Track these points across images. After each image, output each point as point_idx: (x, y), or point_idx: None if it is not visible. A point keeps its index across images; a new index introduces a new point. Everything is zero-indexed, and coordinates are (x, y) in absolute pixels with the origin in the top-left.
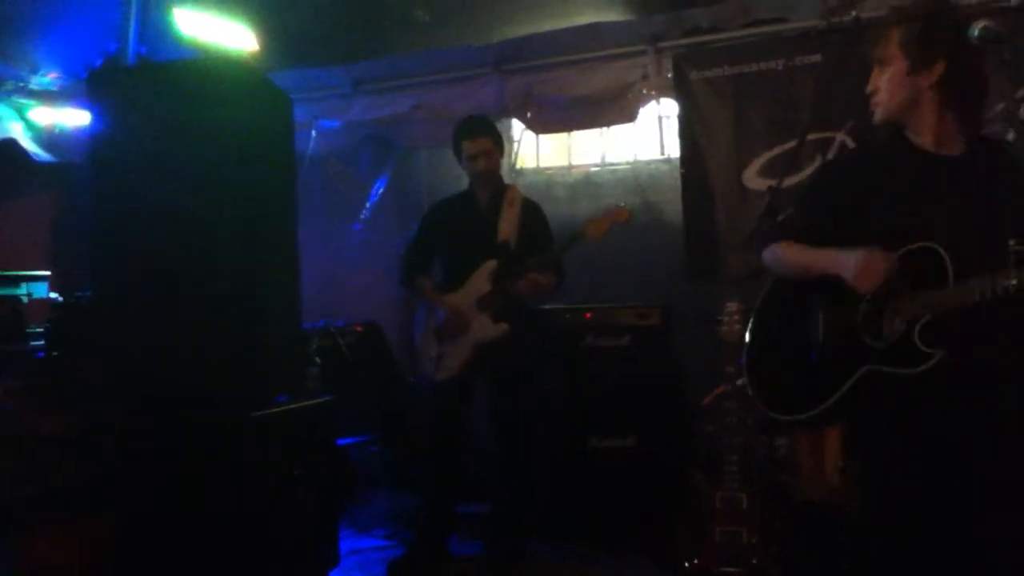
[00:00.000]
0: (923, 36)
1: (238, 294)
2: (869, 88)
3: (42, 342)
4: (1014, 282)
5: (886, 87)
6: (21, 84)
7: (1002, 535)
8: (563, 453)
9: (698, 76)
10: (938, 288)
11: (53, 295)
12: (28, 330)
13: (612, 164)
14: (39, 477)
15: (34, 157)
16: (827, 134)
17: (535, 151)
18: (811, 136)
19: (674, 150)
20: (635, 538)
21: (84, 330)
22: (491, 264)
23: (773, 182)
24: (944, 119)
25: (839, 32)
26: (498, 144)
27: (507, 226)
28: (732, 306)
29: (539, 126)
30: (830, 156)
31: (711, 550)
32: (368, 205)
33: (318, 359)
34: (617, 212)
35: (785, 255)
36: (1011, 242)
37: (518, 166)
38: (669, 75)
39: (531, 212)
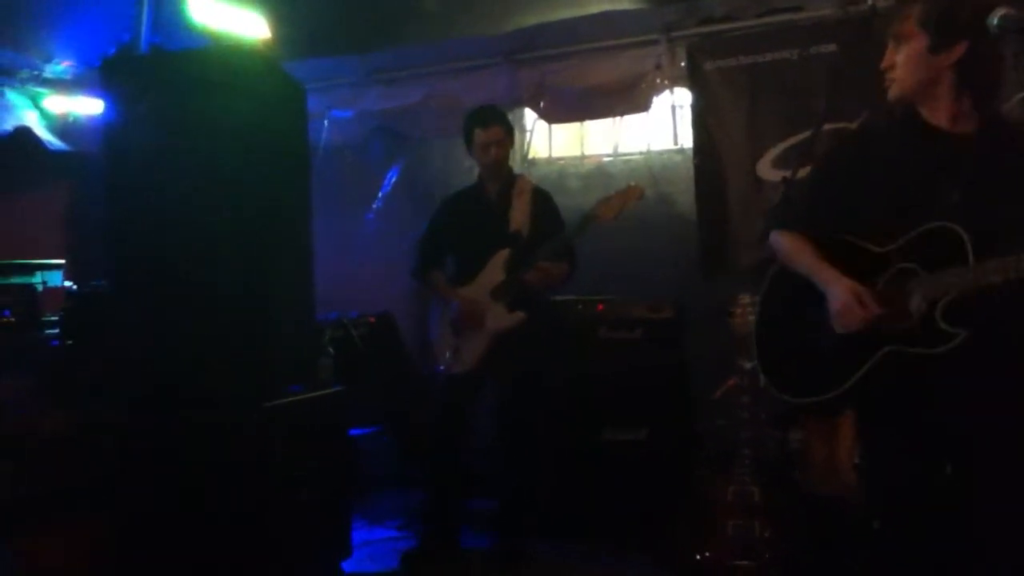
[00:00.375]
0: (945, 16)
1: (251, 284)
2: (884, 64)
3: (56, 331)
4: None
5: (904, 64)
6: (35, 73)
7: (1006, 526)
8: (574, 446)
9: (712, 66)
10: (959, 268)
11: (68, 284)
12: (43, 318)
13: (625, 154)
14: (44, 476)
15: (48, 146)
16: (842, 124)
17: (547, 141)
18: (826, 126)
19: (688, 140)
20: (638, 537)
21: (98, 319)
22: (504, 254)
23: (787, 173)
24: (960, 99)
25: (855, 21)
26: (509, 134)
27: (519, 215)
28: (745, 298)
29: (552, 116)
30: None
31: (722, 543)
32: (380, 195)
33: (331, 350)
34: (629, 191)
35: (787, 249)
36: None
37: (531, 156)
38: (683, 65)
39: (542, 200)
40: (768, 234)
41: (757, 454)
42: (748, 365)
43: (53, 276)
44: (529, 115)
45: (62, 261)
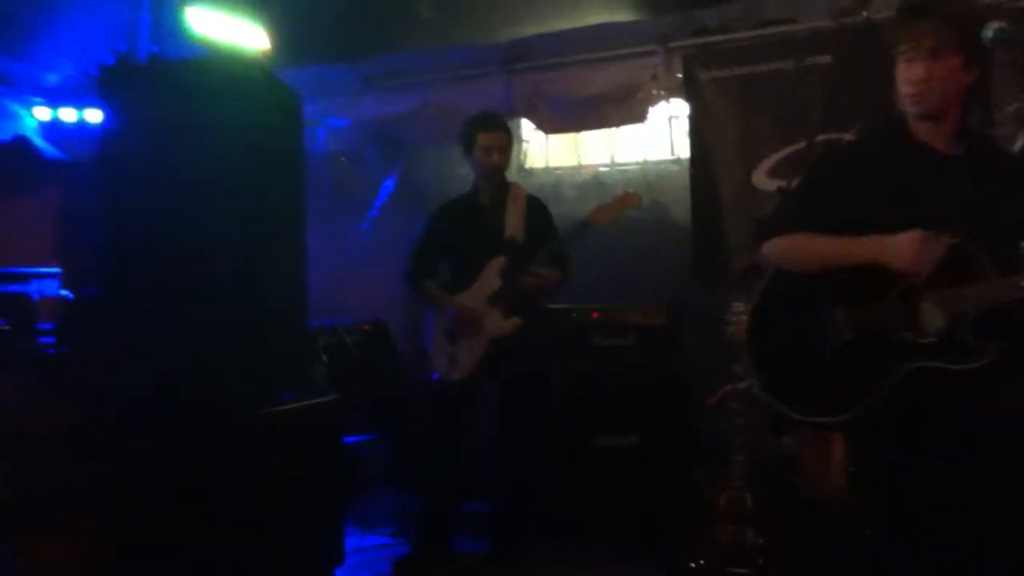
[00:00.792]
0: (973, 33)
1: (246, 292)
2: (918, 76)
3: (52, 339)
4: None
5: (940, 80)
6: (33, 81)
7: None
8: (568, 452)
9: (708, 76)
10: (979, 283)
11: (63, 292)
12: (38, 326)
13: (621, 164)
14: (41, 477)
15: (45, 154)
16: (836, 135)
17: (544, 151)
18: (820, 137)
19: (684, 150)
20: (636, 539)
21: (93, 328)
22: (499, 260)
23: (782, 183)
24: (963, 118)
25: (849, 33)
26: (511, 141)
27: (513, 222)
28: (739, 306)
29: (547, 125)
30: None
31: (717, 550)
32: (376, 204)
33: (325, 357)
34: (627, 198)
35: (794, 247)
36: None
37: (527, 166)
38: (679, 75)
39: (536, 208)
40: (761, 243)
41: (751, 460)
42: (742, 371)
43: (48, 284)
44: (525, 125)
45: (57, 269)
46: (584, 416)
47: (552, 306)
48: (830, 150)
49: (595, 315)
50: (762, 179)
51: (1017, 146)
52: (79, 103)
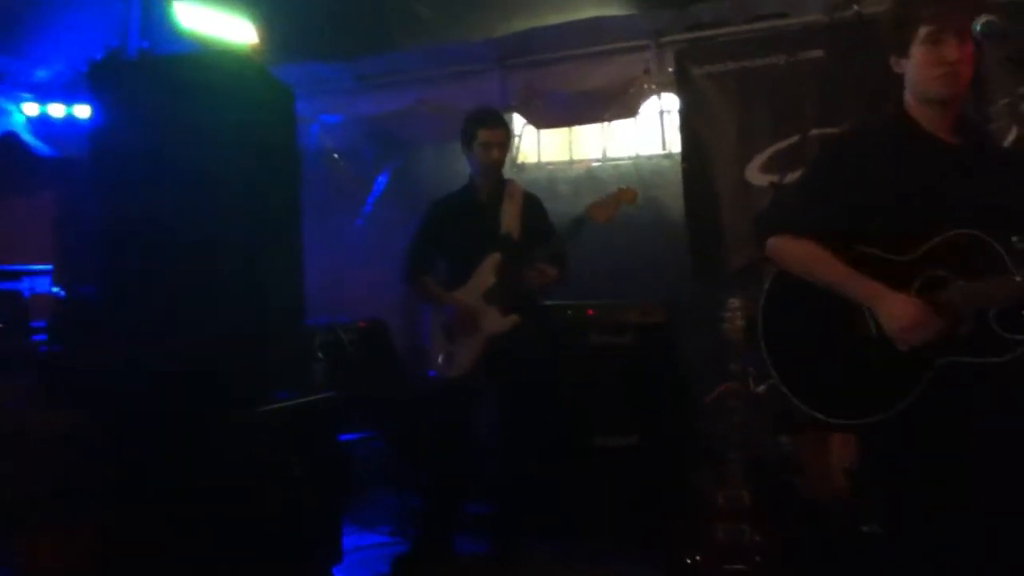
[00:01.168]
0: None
1: (241, 290)
2: (956, 55)
3: (44, 337)
4: None
5: (967, 61)
6: (23, 77)
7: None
8: (566, 451)
9: (700, 71)
10: (1002, 276)
11: (55, 290)
12: (30, 324)
13: (614, 159)
14: (39, 477)
15: (35, 151)
16: (830, 129)
17: (536, 146)
18: (814, 132)
19: (676, 145)
20: (635, 537)
21: (86, 326)
22: (496, 257)
23: (775, 178)
24: (963, 108)
25: (841, 27)
26: (510, 137)
27: (509, 219)
28: (735, 302)
29: (541, 121)
30: None
31: (714, 548)
32: (370, 201)
33: (321, 355)
34: (622, 193)
35: (800, 258)
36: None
37: (520, 161)
38: (671, 70)
39: (532, 204)
40: (762, 239)
41: (748, 458)
42: (738, 369)
43: (41, 282)
44: (517, 120)
45: (49, 267)
46: (583, 414)
47: (548, 303)
48: (831, 143)
49: (591, 312)
50: (755, 174)
51: (1009, 141)
52: (68, 99)
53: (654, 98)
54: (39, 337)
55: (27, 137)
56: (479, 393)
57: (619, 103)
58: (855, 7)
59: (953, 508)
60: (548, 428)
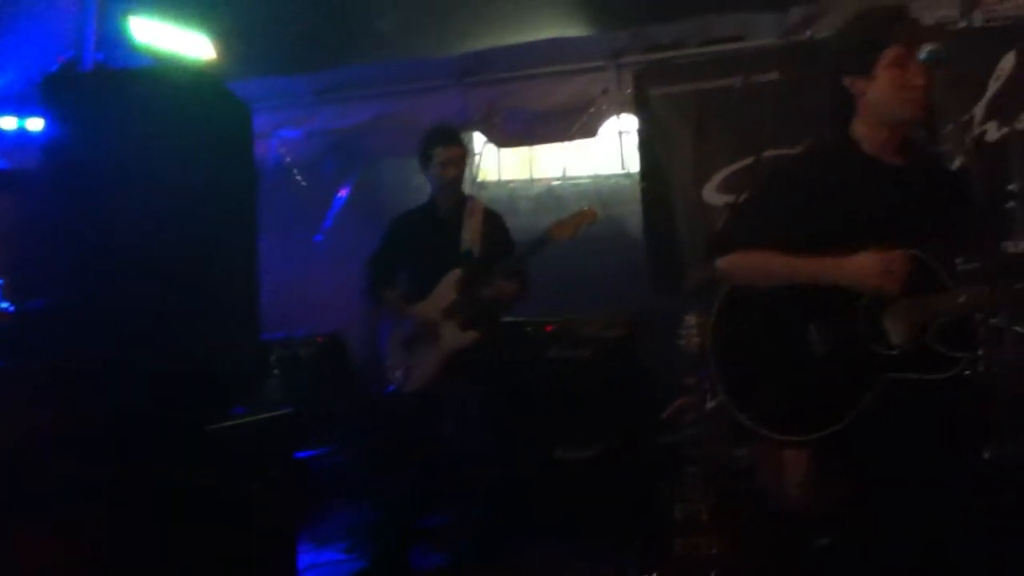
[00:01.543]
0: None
1: (195, 305)
2: (920, 81)
3: None
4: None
5: (930, 86)
6: None
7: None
8: (527, 465)
9: (658, 92)
10: (937, 293)
11: (4, 304)
12: None
13: (574, 178)
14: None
15: None
16: (785, 150)
17: (497, 164)
18: (769, 152)
19: (635, 165)
20: (598, 551)
21: (35, 340)
22: (456, 272)
23: (732, 198)
24: (908, 130)
25: (795, 50)
26: (466, 154)
27: (470, 235)
28: (691, 319)
29: (501, 139)
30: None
31: (672, 562)
32: (331, 215)
33: (278, 370)
34: (583, 214)
35: (754, 264)
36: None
37: (480, 179)
38: (629, 91)
39: (493, 220)
40: (714, 259)
41: (706, 471)
42: (695, 384)
43: None
44: (478, 138)
45: None
46: (543, 429)
47: (507, 319)
48: (781, 164)
49: (550, 328)
50: (712, 194)
51: (956, 164)
52: (21, 111)
53: (613, 118)
54: None
55: None
56: (438, 408)
57: (579, 122)
58: (808, 31)
59: (902, 521)
60: (508, 442)
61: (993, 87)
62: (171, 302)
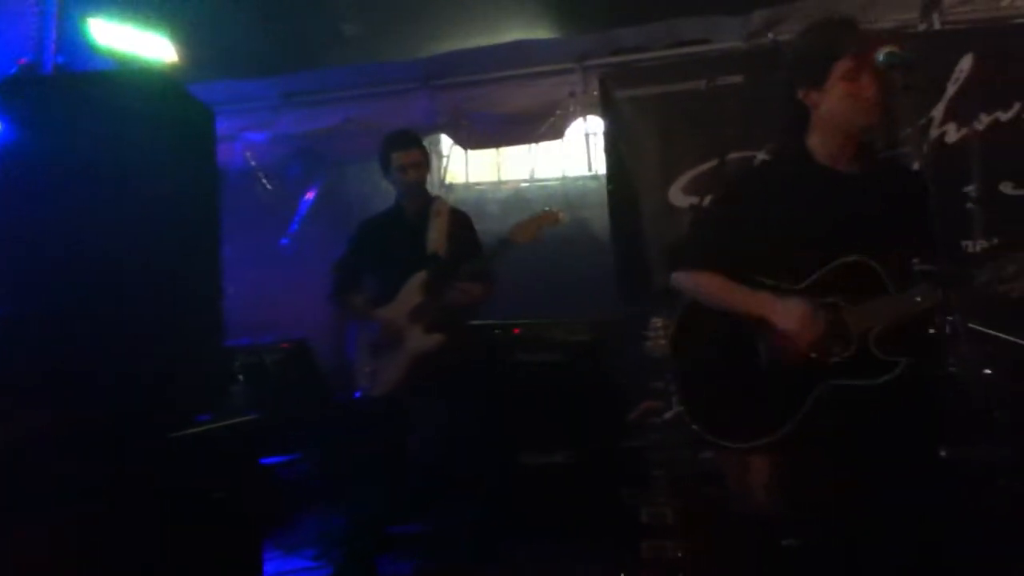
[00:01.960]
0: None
1: (158, 311)
2: (873, 91)
3: None
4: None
5: (882, 96)
6: None
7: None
8: (495, 470)
9: (623, 95)
10: (883, 298)
11: None
12: None
13: (541, 180)
14: None
15: None
16: (748, 153)
17: (465, 166)
18: (733, 155)
19: (602, 167)
20: (568, 557)
21: None
22: (422, 275)
23: (697, 199)
24: (863, 137)
25: (759, 54)
26: (426, 157)
27: (436, 236)
28: (658, 322)
29: (468, 141)
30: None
31: (637, 565)
32: (297, 219)
33: (242, 377)
34: (545, 216)
35: (708, 289)
36: (915, 260)
37: (448, 181)
38: (595, 93)
39: (459, 222)
40: (668, 261)
41: (672, 474)
42: (660, 387)
43: None
44: (446, 140)
45: None
46: (510, 433)
47: (475, 322)
48: (742, 171)
49: (518, 331)
50: (678, 196)
51: (915, 167)
52: None
53: (580, 120)
54: None
55: None
56: (405, 412)
57: (545, 125)
58: (770, 35)
59: (857, 522)
60: (476, 447)
61: (951, 89)
62: (132, 308)
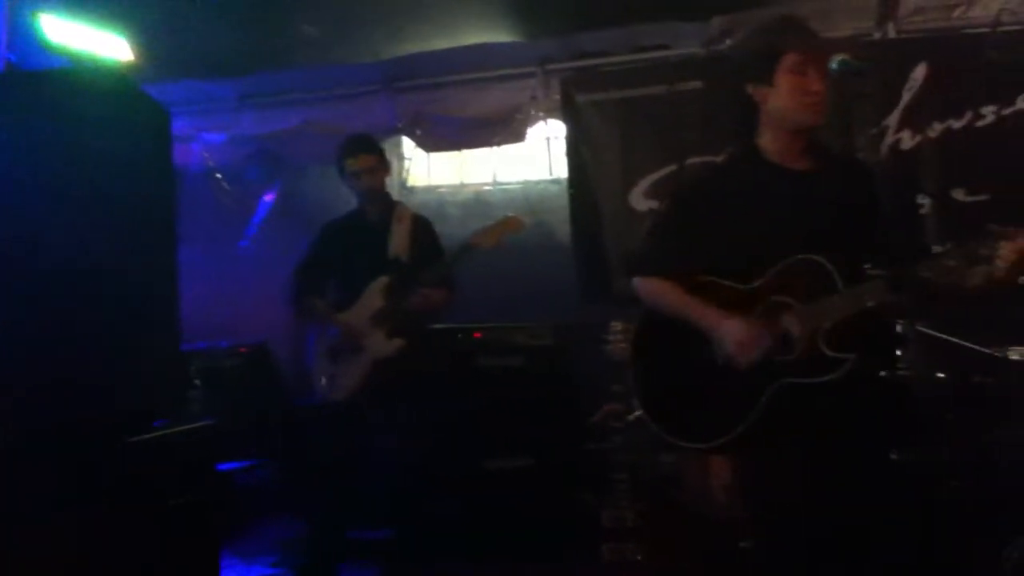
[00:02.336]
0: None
1: (111, 314)
2: (817, 87)
3: None
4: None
5: (825, 93)
6: None
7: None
8: (456, 475)
9: (584, 99)
10: (831, 296)
11: None
12: None
13: (503, 183)
14: None
15: None
16: (708, 158)
17: (426, 169)
18: (692, 160)
19: (563, 171)
20: (531, 562)
21: None
22: (383, 280)
23: (657, 204)
24: (818, 132)
25: (718, 60)
26: (382, 161)
27: (398, 241)
28: (618, 325)
29: (429, 144)
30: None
31: (599, 568)
32: (255, 222)
33: (199, 381)
34: (507, 222)
35: (661, 299)
36: (867, 265)
37: (409, 184)
38: (557, 97)
39: (421, 227)
40: (626, 267)
41: (633, 477)
42: (621, 391)
43: None
44: (408, 143)
45: None
46: (473, 438)
47: (436, 327)
48: (695, 173)
49: (479, 335)
50: (638, 200)
51: (865, 165)
52: None
53: (541, 124)
54: None
55: None
56: (365, 417)
57: (506, 128)
58: (727, 41)
59: (813, 521)
60: (438, 453)
61: (906, 97)
62: (85, 311)
